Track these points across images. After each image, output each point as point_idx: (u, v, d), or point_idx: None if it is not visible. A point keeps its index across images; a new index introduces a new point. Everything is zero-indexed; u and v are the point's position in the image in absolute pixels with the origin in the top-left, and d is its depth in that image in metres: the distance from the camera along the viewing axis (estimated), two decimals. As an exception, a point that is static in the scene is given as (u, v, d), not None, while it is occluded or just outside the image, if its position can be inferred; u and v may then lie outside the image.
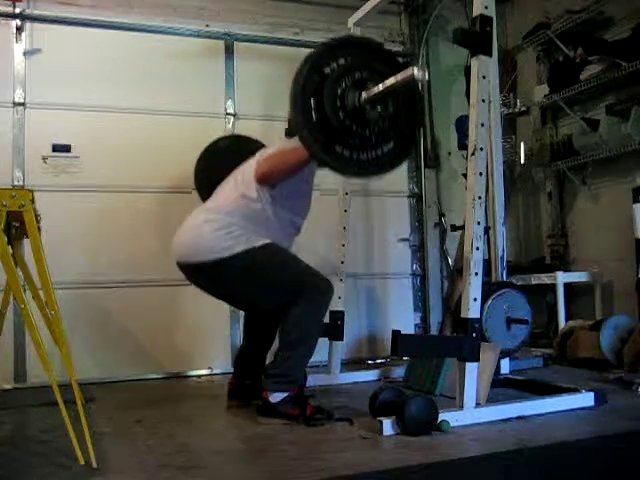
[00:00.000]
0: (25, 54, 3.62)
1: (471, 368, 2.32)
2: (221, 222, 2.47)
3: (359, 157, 2.26)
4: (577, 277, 4.06)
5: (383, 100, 2.28)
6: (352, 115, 2.22)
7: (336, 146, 2.21)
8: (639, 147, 3.66)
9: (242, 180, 2.57)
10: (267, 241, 2.48)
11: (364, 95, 2.23)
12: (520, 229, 4.79)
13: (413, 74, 2.13)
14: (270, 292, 2.52)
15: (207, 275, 2.54)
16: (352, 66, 2.29)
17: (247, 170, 2.59)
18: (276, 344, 2.60)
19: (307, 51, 4.38)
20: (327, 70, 2.25)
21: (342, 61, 2.29)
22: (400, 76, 2.18)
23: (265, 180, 2.48)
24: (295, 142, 2.36)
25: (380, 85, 2.23)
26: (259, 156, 2.61)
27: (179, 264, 2.61)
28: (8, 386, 3.40)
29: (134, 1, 3.86)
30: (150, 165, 3.80)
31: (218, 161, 3.01)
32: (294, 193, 2.56)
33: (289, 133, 2.71)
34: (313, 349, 2.55)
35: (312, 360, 3.66)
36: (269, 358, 2.69)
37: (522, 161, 4.53)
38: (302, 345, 2.49)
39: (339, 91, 2.22)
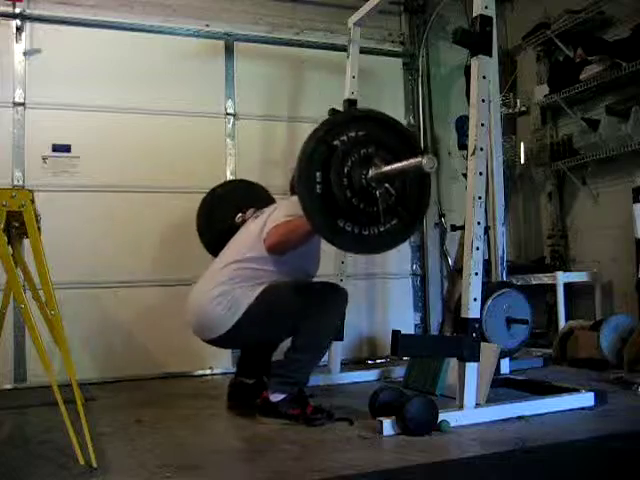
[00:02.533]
0: (25, 54, 3.62)
1: (471, 368, 2.32)
2: (228, 297, 2.46)
3: (361, 232, 2.22)
4: (577, 277, 4.05)
5: (390, 179, 2.23)
6: (357, 191, 2.17)
7: (339, 221, 2.18)
8: (639, 147, 3.66)
9: (247, 243, 2.57)
10: (262, 287, 2.48)
11: (371, 173, 2.18)
12: (520, 229, 4.79)
13: (421, 164, 2.06)
14: (289, 321, 2.49)
15: (225, 343, 2.64)
16: (362, 140, 2.23)
17: (253, 232, 2.58)
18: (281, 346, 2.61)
19: (307, 51, 4.42)
20: (336, 142, 2.19)
21: (353, 134, 2.23)
22: (407, 164, 2.14)
23: (276, 250, 2.47)
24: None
25: (387, 167, 2.18)
26: (267, 218, 2.58)
27: (195, 333, 2.62)
28: (8, 386, 3.40)
29: (134, 1, 3.86)
30: (150, 165, 3.80)
31: (218, 207, 3.03)
32: (303, 255, 2.54)
33: (292, 191, 2.68)
34: (323, 355, 2.58)
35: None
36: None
37: (522, 161, 4.53)
38: (313, 351, 2.49)
39: (346, 167, 2.16)
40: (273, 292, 2.49)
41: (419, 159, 2.08)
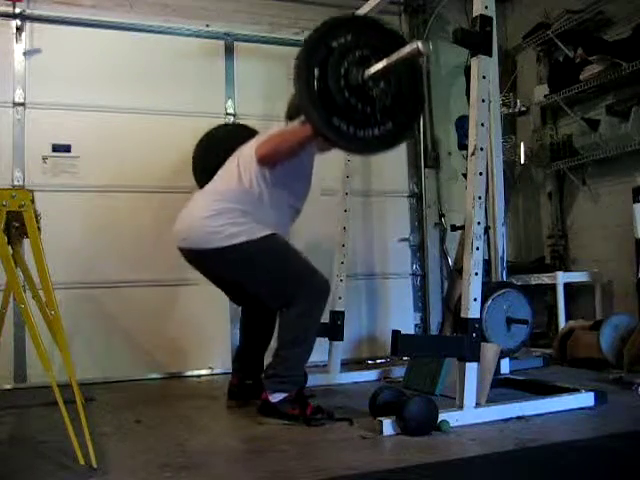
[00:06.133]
0: (25, 54, 3.62)
1: (471, 368, 2.32)
2: (222, 209, 2.47)
3: (356, 133, 2.24)
4: (577, 277, 4.05)
5: (386, 78, 2.27)
6: (354, 91, 2.22)
7: (334, 118, 2.20)
8: (639, 147, 3.66)
9: (241, 163, 2.58)
10: (268, 232, 2.48)
11: (367, 71, 2.23)
12: (520, 229, 4.79)
13: (417, 47, 2.12)
14: (269, 287, 2.51)
15: (208, 262, 2.56)
16: (359, 42, 2.30)
17: (245, 153, 2.60)
18: (274, 343, 2.61)
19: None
20: (334, 44, 2.25)
21: (350, 37, 2.30)
22: (403, 50, 2.18)
23: (266, 160, 2.48)
24: (295, 124, 2.41)
25: (384, 60, 2.22)
26: (259, 137, 2.62)
27: (180, 249, 2.62)
28: (8, 386, 3.40)
29: (134, 1, 3.86)
30: (150, 165, 3.80)
31: (214, 149, 3.03)
32: (293, 175, 2.56)
33: (289, 117, 2.71)
34: (311, 349, 2.55)
35: (312, 360, 3.65)
36: (267, 357, 2.69)
37: (522, 161, 4.53)
38: (300, 345, 2.49)
39: (344, 66, 2.22)
40: (278, 246, 2.50)
41: (414, 44, 2.13)
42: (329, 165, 3.58)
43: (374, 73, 2.23)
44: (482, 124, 2.43)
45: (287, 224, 2.67)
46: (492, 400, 2.49)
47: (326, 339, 3.33)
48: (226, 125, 3.50)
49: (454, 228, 3.99)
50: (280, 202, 2.55)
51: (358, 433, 2.22)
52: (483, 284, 2.41)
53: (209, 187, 2.65)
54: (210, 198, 2.56)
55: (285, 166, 2.50)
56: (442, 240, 4.53)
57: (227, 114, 4.01)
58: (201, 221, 2.50)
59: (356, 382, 3.32)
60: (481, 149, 2.41)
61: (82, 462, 1.89)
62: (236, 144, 2.75)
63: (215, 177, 2.68)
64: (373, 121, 2.27)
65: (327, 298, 2.56)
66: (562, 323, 3.85)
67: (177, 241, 2.61)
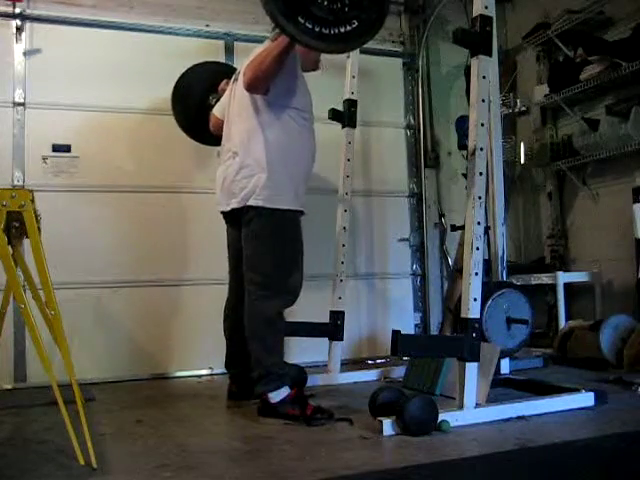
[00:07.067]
0: (25, 54, 3.62)
1: (471, 368, 2.33)
2: (248, 168, 2.53)
3: (322, 31, 2.20)
4: (577, 277, 4.05)
5: None
6: None
7: (300, 17, 2.16)
8: (639, 147, 3.66)
9: (240, 104, 2.61)
10: (287, 205, 2.53)
11: None
12: (520, 229, 4.79)
13: None
14: (263, 260, 2.54)
15: (234, 222, 2.66)
16: None
17: (239, 89, 2.62)
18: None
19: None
20: None
21: None
22: None
23: (254, 83, 2.48)
24: (269, 42, 2.47)
25: None
26: (242, 69, 2.64)
27: (223, 213, 2.72)
28: (8, 386, 3.40)
29: (134, 1, 3.86)
30: (150, 165, 3.80)
31: (189, 94, 3.27)
32: (288, 92, 2.56)
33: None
34: (280, 337, 2.55)
35: (312, 360, 3.67)
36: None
37: (522, 161, 4.53)
38: (261, 340, 2.49)
39: None
40: (296, 238, 2.58)
41: None
42: (329, 165, 3.58)
43: None
44: (482, 124, 2.43)
45: (311, 139, 2.69)
46: (492, 400, 2.49)
47: (326, 339, 3.33)
48: (205, 63, 3.55)
49: (454, 228, 3.99)
50: (292, 123, 2.57)
51: (358, 433, 2.22)
52: (483, 284, 2.41)
53: (230, 144, 2.65)
54: (238, 159, 2.58)
55: (277, 86, 2.50)
56: (442, 240, 4.53)
57: (227, 114, 4.00)
58: (231, 184, 2.59)
59: (356, 382, 3.32)
60: (481, 149, 2.41)
61: (82, 462, 1.89)
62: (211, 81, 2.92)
63: (227, 127, 2.71)
64: (337, 21, 2.21)
65: (289, 301, 2.58)
66: (562, 323, 3.86)
67: (217, 205, 2.73)
